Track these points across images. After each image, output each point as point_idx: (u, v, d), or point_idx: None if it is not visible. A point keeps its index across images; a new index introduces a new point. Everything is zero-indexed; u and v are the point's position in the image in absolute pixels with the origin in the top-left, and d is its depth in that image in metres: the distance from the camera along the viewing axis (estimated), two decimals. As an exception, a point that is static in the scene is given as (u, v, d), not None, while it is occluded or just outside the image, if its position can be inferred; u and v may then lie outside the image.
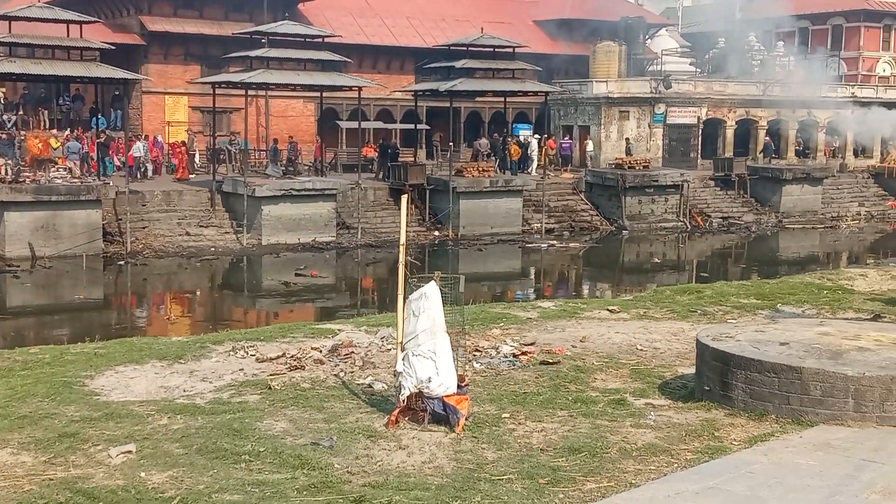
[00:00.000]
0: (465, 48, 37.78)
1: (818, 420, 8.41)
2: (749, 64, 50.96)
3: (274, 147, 36.03)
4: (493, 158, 39.20)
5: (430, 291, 8.49)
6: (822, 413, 8.44)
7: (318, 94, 36.82)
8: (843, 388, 8.38)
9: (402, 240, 8.75)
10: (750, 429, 8.40)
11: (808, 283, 18.36)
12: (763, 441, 7.97)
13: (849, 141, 47.39)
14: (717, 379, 9.19)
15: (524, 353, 11.58)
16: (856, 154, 47.82)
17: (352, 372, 10.68)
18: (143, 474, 7.33)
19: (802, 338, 9.67)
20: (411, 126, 40.26)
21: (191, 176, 34.94)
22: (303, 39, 34.65)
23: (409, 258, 9.10)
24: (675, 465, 7.54)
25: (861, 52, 61.03)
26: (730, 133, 45.11)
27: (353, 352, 11.53)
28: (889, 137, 46.93)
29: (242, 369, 10.82)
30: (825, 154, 46.96)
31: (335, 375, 10.51)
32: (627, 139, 41.94)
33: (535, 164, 39.88)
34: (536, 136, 41.13)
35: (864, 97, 47.32)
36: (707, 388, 9.36)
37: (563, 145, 42.09)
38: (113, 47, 31.84)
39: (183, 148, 35.54)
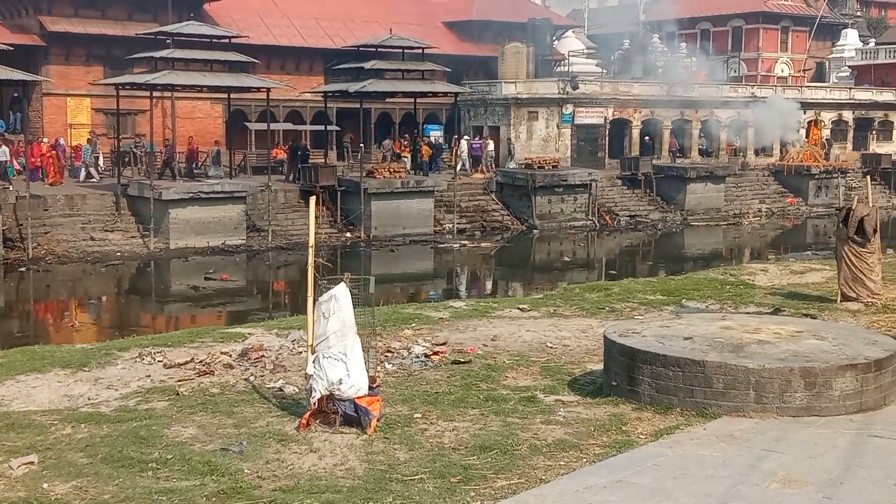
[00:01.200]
0: (374, 49, 37.76)
1: (721, 412, 8.61)
2: (653, 65, 52.02)
3: (217, 151, 36.03)
4: (404, 159, 39.24)
5: (340, 293, 8.45)
6: (724, 405, 8.65)
7: (225, 95, 36.37)
8: (745, 381, 8.61)
9: (311, 241, 8.69)
10: (656, 422, 8.57)
11: (712, 279, 18.81)
12: (668, 434, 8.14)
13: (750, 140, 48.69)
14: (625, 374, 9.36)
15: (436, 353, 11.61)
16: (756, 153, 49.15)
17: (262, 376, 10.57)
18: (45, 486, 7.14)
19: (706, 332, 9.90)
20: (321, 127, 40.04)
21: (93, 179, 34.19)
22: (209, 40, 34.16)
23: (319, 260, 9.05)
24: (584, 459, 7.65)
25: (760, 53, 62.87)
26: (636, 133, 45.96)
27: (263, 355, 11.41)
28: (786, 136, 48.39)
29: (149, 376, 10.62)
30: (727, 153, 48.13)
31: (245, 380, 10.39)
32: (510, 139, 42.24)
33: (467, 165, 40.14)
34: (466, 137, 41.41)
35: (763, 97, 48.66)
36: (615, 383, 9.52)
37: (474, 146, 42.34)
38: (11, 48, 30.90)
39: (53, 152, 34.27)
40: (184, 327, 18.52)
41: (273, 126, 37.49)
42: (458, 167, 39.30)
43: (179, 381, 10.31)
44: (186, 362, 11.13)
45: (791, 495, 6.59)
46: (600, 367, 10.28)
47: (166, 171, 34.34)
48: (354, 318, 8.59)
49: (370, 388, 8.56)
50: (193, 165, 35.83)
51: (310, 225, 8.82)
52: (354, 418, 8.39)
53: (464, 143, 40.78)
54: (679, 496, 6.61)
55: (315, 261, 8.75)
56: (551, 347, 12.25)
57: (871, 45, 63.50)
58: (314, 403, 8.47)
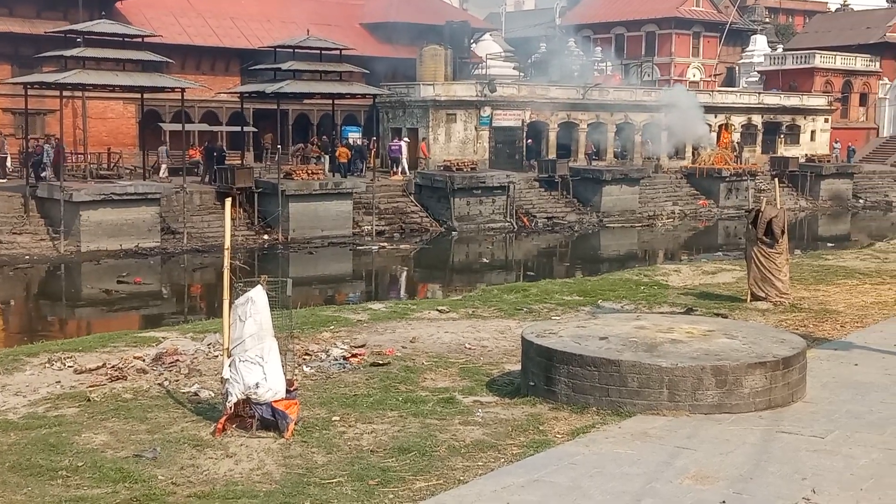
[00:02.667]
0: (291, 50, 37.46)
1: (636, 410, 8.75)
2: (569, 69, 52.67)
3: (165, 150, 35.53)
4: (322, 161, 39.02)
5: (257, 296, 8.36)
6: (639, 404, 8.79)
7: (138, 95, 35.70)
8: (658, 380, 8.76)
9: (227, 244, 8.57)
10: (573, 421, 8.66)
11: (627, 280, 19.11)
12: (585, 433, 8.23)
13: (663, 143, 49.60)
14: (542, 374, 9.44)
15: (354, 356, 11.56)
16: (670, 156, 50.10)
17: (177, 380, 10.39)
18: (-51, 497, 6.91)
19: (621, 332, 10.04)
20: (238, 128, 39.58)
21: (1, 180, 33.24)
22: (121, 39, 33.50)
23: (236, 262, 8.93)
24: (502, 459, 7.69)
25: (673, 57, 64.18)
26: (553, 136, 46.47)
27: (178, 360, 11.22)
28: (697, 139, 49.45)
29: (59, 382, 10.35)
30: (641, 155, 48.98)
31: (159, 384, 10.20)
32: (425, 138, 42.41)
33: (405, 165, 40.10)
34: (406, 140, 41.37)
35: (666, 89, 49.55)
36: (532, 383, 9.59)
37: (393, 148, 42.33)
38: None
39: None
40: (96, 332, 18.09)
41: (188, 127, 36.90)
42: (397, 169, 39.38)
43: (90, 386, 10.07)
44: (98, 367, 10.88)
45: (703, 491, 6.73)
46: (518, 367, 10.35)
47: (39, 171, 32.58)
48: (271, 320, 8.51)
49: (288, 391, 8.48)
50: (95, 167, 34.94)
51: (225, 227, 8.71)
52: (272, 422, 8.31)
53: (402, 145, 40.79)
54: (594, 494, 6.70)
55: (231, 263, 8.64)
56: (470, 349, 12.30)
57: (779, 51, 65.37)
58: (230, 408, 8.36)
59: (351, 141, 41.89)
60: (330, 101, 39.74)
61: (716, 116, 51.81)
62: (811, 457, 7.46)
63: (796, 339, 9.92)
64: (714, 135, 50.96)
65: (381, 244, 33.81)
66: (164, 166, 37.11)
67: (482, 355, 11.93)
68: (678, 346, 9.45)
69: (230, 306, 8.51)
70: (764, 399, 8.87)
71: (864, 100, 62.59)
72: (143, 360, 11.16)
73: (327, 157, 39.69)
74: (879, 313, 14.35)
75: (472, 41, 51.90)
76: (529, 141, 45.06)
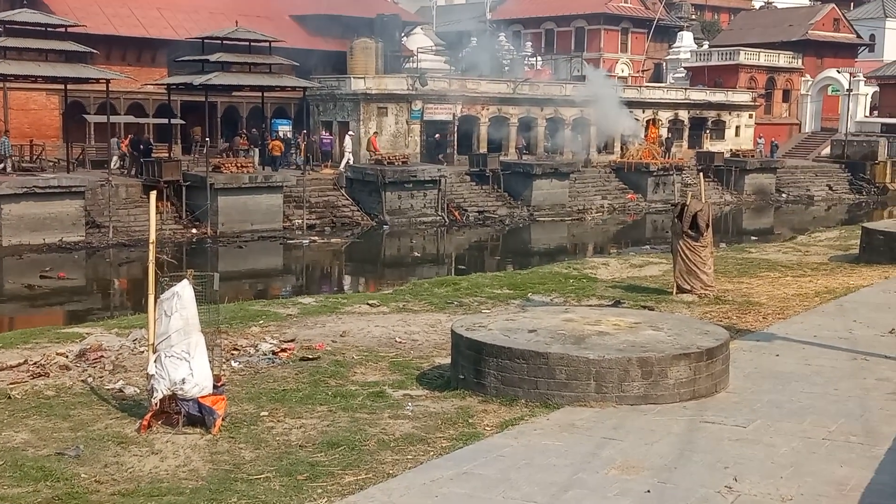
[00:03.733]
0: (219, 41, 37.01)
1: (564, 402, 8.84)
2: (500, 63, 52.89)
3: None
4: (251, 154, 38.62)
5: (183, 290, 8.25)
6: (567, 395, 8.88)
7: (62, 86, 34.91)
8: (586, 371, 8.86)
9: (152, 237, 8.44)
10: (502, 414, 8.72)
11: (556, 273, 19.28)
12: (513, 425, 8.29)
13: (592, 137, 50.11)
14: (471, 367, 9.49)
15: (284, 350, 11.49)
16: (599, 150, 50.64)
17: (101, 377, 10.21)
18: None
19: (549, 325, 10.13)
20: (165, 121, 38.96)
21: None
22: (44, 28, 32.74)
23: (163, 257, 8.80)
24: (432, 453, 7.71)
25: (602, 53, 64.88)
26: (483, 130, 46.64)
27: (102, 356, 11.02)
28: (627, 134, 50.09)
29: (-21, 380, 10.09)
30: (571, 150, 49.39)
31: (83, 381, 10.01)
32: (376, 132, 42.38)
33: (348, 159, 39.82)
34: (351, 133, 41.07)
35: (611, 97, 50.08)
36: (462, 376, 9.63)
37: (324, 141, 42.09)
38: None
39: None
40: (18, 328, 17.70)
41: (113, 119, 36.27)
42: (344, 162, 39.17)
43: (11, 384, 9.84)
44: (19, 364, 10.63)
45: (628, 481, 6.83)
46: (448, 360, 10.38)
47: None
48: (198, 315, 8.41)
49: (215, 386, 8.39)
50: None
51: (150, 220, 8.57)
52: (198, 418, 8.22)
53: (348, 139, 40.57)
54: (523, 486, 6.75)
55: (157, 257, 8.52)
56: (400, 342, 12.31)
57: (705, 47, 66.51)
58: (156, 404, 8.24)
59: (281, 134, 41.52)
60: (259, 94, 39.36)
61: (643, 112, 52.50)
62: (733, 446, 7.61)
63: (720, 331, 10.11)
64: (642, 128, 51.61)
65: (312, 238, 33.60)
66: (115, 157, 36.40)
67: (412, 349, 11.94)
68: (605, 338, 9.57)
69: (156, 301, 8.39)
70: (688, 390, 9.03)
71: (786, 96, 63.99)
72: (67, 357, 10.95)
73: (257, 150, 39.29)
74: (800, 305, 14.70)
75: (402, 35, 51.81)
76: (437, 136, 45.00)
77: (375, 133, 42.28)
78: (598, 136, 49.94)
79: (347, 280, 29.36)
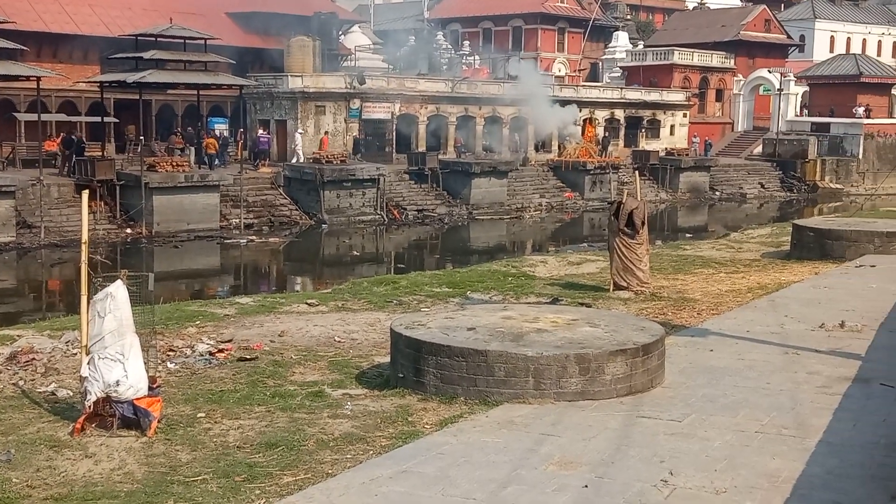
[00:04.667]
0: (154, 39, 36.47)
1: (503, 399, 8.89)
2: (438, 62, 52.92)
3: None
4: (187, 153, 38.14)
5: (117, 291, 8.13)
6: (506, 392, 8.93)
7: (-10, 83, 34.12)
8: (524, 368, 8.92)
9: (84, 237, 8.30)
10: (441, 412, 8.74)
11: (495, 271, 19.38)
12: (453, 423, 8.32)
13: (530, 136, 50.39)
14: (411, 366, 9.49)
15: (221, 351, 11.38)
16: (537, 148, 50.95)
17: (33, 380, 10.00)
18: None
19: (488, 322, 10.18)
20: (98, 119, 38.27)
21: None
22: (-29, 24, 31.95)
23: (98, 257, 8.66)
24: (371, 451, 7.71)
25: (539, 52, 65.30)
26: (422, 128, 46.64)
27: (34, 358, 10.80)
28: (562, 132, 50.45)
29: None
30: (509, 148, 49.62)
31: (14, 384, 9.80)
32: (327, 132, 42.25)
33: (300, 158, 39.50)
34: (300, 131, 40.71)
35: (542, 95, 50.42)
36: (401, 375, 9.63)
37: (261, 140, 41.72)
38: None
39: None
40: (-55, 331, 17.26)
41: (44, 117, 35.50)
42: (295, 161, 38.86)
43: (-61, 388, 9.60)
44: (-53, 368, 10.37)
45: (566, 476, 6.89)
46: (388, 359, 10.38)
47: None
48: (133, 316, 8.29)
49: (150, 388, 8.28)
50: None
51: (83, 220, 8.42)
52: (133, 420, 8.10)
53: (298, 137, 40.24)
54: (462, 483, 6.78)
55: (91, 258, 8.38)
56: (339, 342, 12.27)
57: (640, 47, 67.28)
58: (89, 406, 8.11)
59: (217, 132, 41.06)
60: (195, 92, 38.84)
61: (580, 111, 52.94)
62: (669, 440, 7.72)
63: (655, 327, 10.25)
64: (578, 116, 51.94)
65: (250, 237, 33.29)
66: None
67: (352, 348, 11.91)
68: (543, 335, 9.64)
69: (89, 302, 8.25)
70: (625, 385, 9.14)
71: (720, 95, 65.02)
72: (-3, 360, 10.70)
73: (193, 148, 38.80)
74: (734, 301, 14.97)
75: (340, 33, 51.58)
76: (356, 135, 44.81)
77: (327, 133, 42.07)
78: (535, 134, 50.14)
79: (286, 280, 29.14)
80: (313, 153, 40.02)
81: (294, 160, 39.48)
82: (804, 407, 8.65)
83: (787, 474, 6.90)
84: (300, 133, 40.94)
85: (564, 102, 50.67)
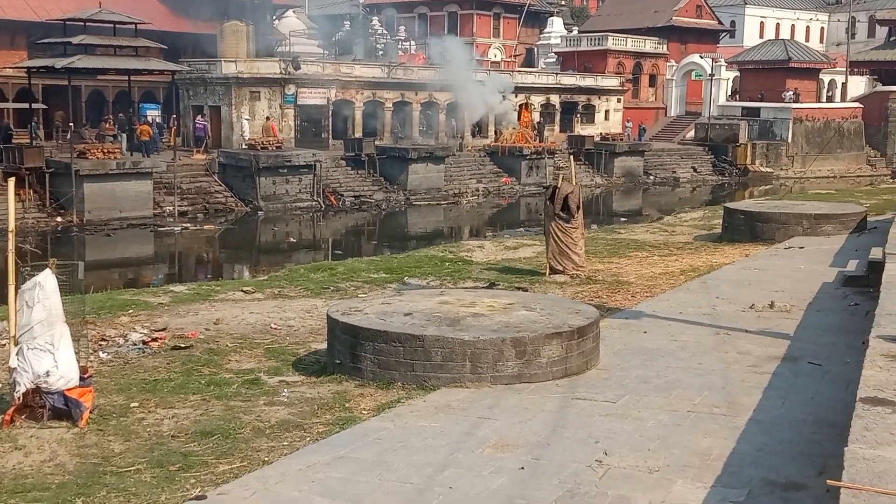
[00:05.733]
0: (82, 23, 35.76)
1: (440, 384, 8.92)
2: (373, 47, 52.65)
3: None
4: (119, 139, 37.47)
5: (45, 280, 7.96)
6: (443, 377, 8.97)
7: (-89, 68, 33.12)
8: (461, 353, 8.96)
9: (11, 226, 8.11)
10: (378, 397, 8.74)
11: (433, 256, 19.42)
12: (390, 408, 8.33)
13: (466, 121, 50.44)
14: (348, 352, 9.48)
15: (155, 340, 11.24)
16: (473, 134, 51.04)
17: (-40, 372, 9.77)
18: None
19: (425, 307, 10.20)
20: (26, 105, 37.41)
21: None
22: None
23: (27, 246, 8.48)
24: (308, 438, 7.68)
25: (475, 38, 65.26)
26: (358, 114, 46.42)
27: (-39, 351, 10.55)
28: (497, 113, 50.55)
29: None
30: (445, 134, 49.65)
31: (-60, 378, 9.57)
32: (269, 117, 41.87)
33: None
34: (247, 117, 40.14)
35: (478, 81, 50.47)
36: (338, 361, 9.61)
37: (197, 126, 41.16)
38: None
39: None
40: None
41: (-31, 103, 34.63)
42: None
43: None
44: None
45: (503, 459, 6.95)
46: (325, 346, 10.35)
47: None
48: (63, 305, 8.14)
49: (82, 378, 8.15)
50: None
51: (9, 208, 8.24)
52: (65, 411, 7.96)
53: (245, 123, 39.69)
54: (399, 467, 6.79)
55: (19, 247, 8.20)
56: (275, 329, 12.19)
57: (575, 33, 67.67)
58: (18, 398, 7.95)
59: (150, 119, 40.40)
60: (126, 78, 38.15)
61: (516, 96, 53.12)
62: (604, 421, 7.82)
63: (590, 310, 10.37)
64: (514, 111, 52.14)
65: (184, 225, 32.86)
66: None
67: (288, 335, 11.85)
68: (480, 319, 9.69)
69: (16, 292, 8.07)
70: (560, 368, 9.23)
71: (653, 81, 65.71)
72: (-79, 353, 10.43)
73: (125, 135, 38.13)
74: (667, 283, 15.20)
75: (274, 18, 51.05)
76: (267, 118, 44.56)
77: (268, 117, 41.63)
78: (469, 113, 49.91)
79: (221, 267, 28.83)
80: (248, 139, 39.62)
81: (201, 147, 39.05)
82: (735, 386, 8.82)
83: (719, 452, 7.03)
84: (247, 119, 40.52)
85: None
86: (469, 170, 46.25)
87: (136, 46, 36.70)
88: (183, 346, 10.99)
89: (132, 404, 8.61)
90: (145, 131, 37.76)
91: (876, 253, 13.44)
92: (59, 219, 31.68)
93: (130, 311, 13.25)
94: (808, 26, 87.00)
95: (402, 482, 6.53)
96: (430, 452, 7.10)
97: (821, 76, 65.99)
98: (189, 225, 33.02)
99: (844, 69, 67.04)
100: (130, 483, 6.72)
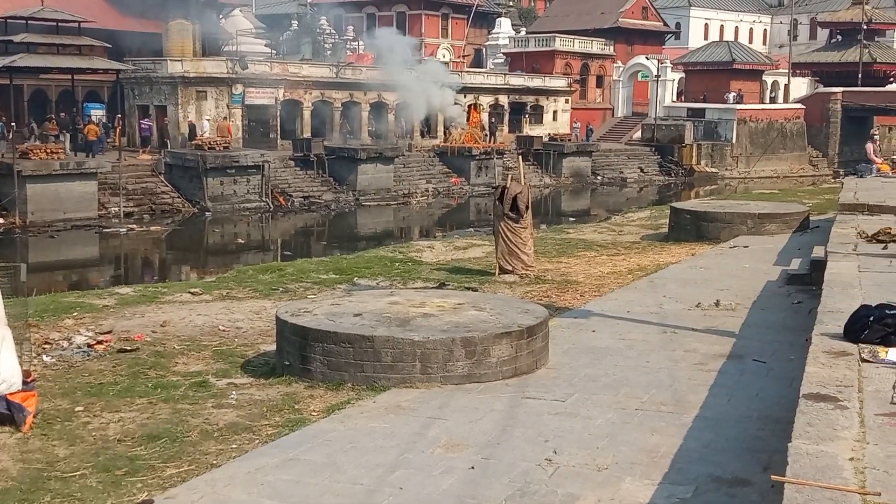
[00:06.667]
0: (24, 21, 35.14)
1: (390, 384, 8.90)
2: (322, 47, 52.40)
3: None
4: (62, 139, 36.89)
5: (-13, 283, 7.83)
6: (393, 377, 8.95)
7: None
8: (411, 353, 8.95)
9: (-49, 228, 7.96)
10: (328, 399, 8.70)
11: (382, 257, 19.38)
12: (340, 409, 8.30)
13: (416, 121, 50.42)
14: (297, 353, 9.42)
15: (100, 343, 11.07)
16: (423, 134, 51.03)
17: None
18: None
19: (375, 308, 10.18)
20: (-35, 104, 36.70)
21: None
22: None
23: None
24: (257, 440, 7.63)
25: (423, 38, 65.30)
26: (307, 114, 46.19)
27: None
28: (449, 117, 50.61)
29: None
30: (395, 134, 49.58)
31: None
32: (225, 118, 41.52)
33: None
34: (208, 118, 39.63)
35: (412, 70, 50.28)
36: (287, 362, 9.55)
37: (142, 126, 40.65)
38: None
39: None
40: None
41: None
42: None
43: None
44: None
45: (453, 459, 6.95)
46: (274, 347, 10.28)
47: None
48: (5, 308, 7.99)
49: (25, 382, 8.01)
50: None
51: (-51, 210, 8.07)
52: (7, 416, 7.81)
53: (205, 123, 39.19)
54: (349, 469, 6.77)
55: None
56: (224, 330, 12.08)
57: (523, 33, 68.02)
58: (-40, 404, 7.79)
59: (95, 118, 39.82)
60: (70, 77, 37.56)
61: (465, 97, 53.22)
62: (553, 420, 7.87)
63: (539, 309, 10.42)
64: (465, 113, 52.24)
65: (130, 226, 32.45)
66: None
67: (237, 337, 11.74)
68: (430, 319, 9.69)
69: (-43, 295, 7.91)
70: (510, 367, 9.26)
71: (600, 82, 66.29)
72: None
73: (68, 135, 37.54)
74: (615, 282, 15.32)
75: (221, 17, 50.59)
76: (189, 121, 44.19)
77: (226, 118, 41.26)
78: (415, 110, 49.69)
79: (168, 269, 28.50)
80: (196, 139, 39.22)
81: (147, 147, 38.66)
82: (682, 384, 8.92)
83: (666, 449, 7.10)
84: (207, 120, 40.13)
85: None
86: (418, 170, 46.26)
87: (79, 45, 36.19)
88: (129, 348, 10.83)
89: (77, 408, 8.48)
90: (92, 130, 37.21)
91: (818, 251, 13.68)
92: (0, 220, 31.09)
93: (75, 313, 13.04)
94: (751, 28, 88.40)
95: (352, 483, 6.51)
96: (380, 453, 7.08)
97: (764, 77, 67.08)
98: (135, 226, 32.62)
99: (787, 71, 68.22)
100: (76, 488, 6.61)
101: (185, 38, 43.47)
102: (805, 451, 4.90)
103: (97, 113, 40.98)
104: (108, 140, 39.30)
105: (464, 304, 10.52)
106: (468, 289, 14.43)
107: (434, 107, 49.02)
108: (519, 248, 15.98)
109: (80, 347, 10.86)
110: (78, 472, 6.92)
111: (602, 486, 6.39)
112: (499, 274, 16.02)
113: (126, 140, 39.62)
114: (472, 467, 6.77)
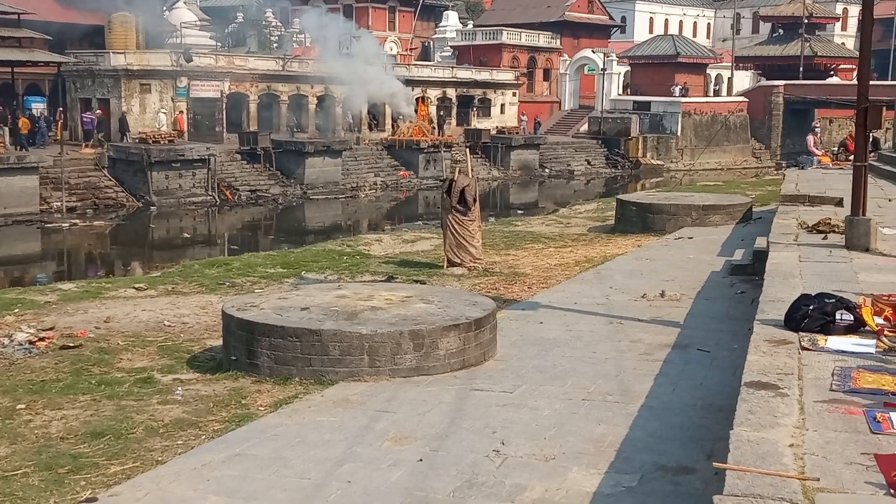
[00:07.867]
0: (-39, 12, 34.36)
1: (338, 378, 8.88)
2: (268, 39, 51.97)
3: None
4: (2, 133, 36.12)
5: (-77, 280, 7.66)
6: (341, 371, 8.93)
7: None
8: (359, 346, 8.94)
9: None
10: (276, 393, 8.66)
11: (330, 251, 19.32)
12: (287, 404, 8.26)
13: (363, 114, 50.23)
14: (244, 348, 9.36)
15: (42, 339, 10.90)
16: (371, 127, 50.86)
17: None
18: None
19: (322, 302, 10.14)
20: None
21: None
22: None
23: None
24: (203, 436, 7.57)
25: (371, 31, 64.95)
26: (253, 107, 45.81)
27: None
28: (397, 111, 50.46)
29: None
30: (342, 127, 49.35)
31: None
32: (182, 111, 41.07)
33: None
34: (164, 111, 38.96)
35: (346, 52, 50.04)
36: (234, 357, 9.49)
37: (85, 119, 39.99)
38: None
39: None
40: None
41: None
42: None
43: None
44: None
45: (401, 451, 6.96)
46: (220, 342, 10.20)
47: None
48: (-58, 306, 7.84)
49: (-36, 381, 7.86)
50: None
51: None
52: (-54, 416, 7.67)
53: (162, 117, 38.61)
54: (296, 463, 6.75)
55: None
56: (169, 326, 11.96)
57: (470, 27, 68.09)
58: None
59: (35, 112, 39.09)
60: (9, 70, 36.82)
61: (413, 90, 53.13)
62: (501, 411, 7.90)
63: (487, 302, 10.46)
64: (412, 101, 52.07)
65: (73, 221, 31.93)
66: None
67: (182, 332, 11.64)
68: (378, 312, 9.68)
69: None
70: (458, 359, 9.29)
71: (547, 75, 66.57)
72: None
73: (7, 129, 36.79)
74: (562, 274, 15.43)
75: (165, 9, 49.94)
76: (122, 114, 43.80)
77: (181, 112, 40.71)
78: (362, 102, 49.28)
79: (113, 264, 28.10)
80: (139, 132, 38.69)
81: (90, 141, 38.10)
82: (628, 374, 9.01)
83: (612, 439, 7.18)
84: (164, 112, 39.59)
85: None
86: (367, 163, 46.08)
87: (19, 37, 35.47)
88: (72, 345, 10.68)
89: (18, 406, 8.34)
90: (25, 124, 36.48)
91: (760, 242, 13.89)
92: (-62, 216, 30.45)
93: (16, 309, 12.83)
94: (695, 22, 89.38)
95: (299, 478, 6.48)
96: (328, 447, 7.06)
97: (708, 71, 67.90)
98: (78, 221, 32.12)
99: (730, 64, 69.11)
100: (17, 487, 6.51)
101: (128, 30, 42.83)
102: (746, 439, 4.98)
103: (38, 106, 40.25)
104: (50, 134, 38.62)
105: (412, 297, 10.53)
106: (416, 282, 14.43)
107: (377, 93, 48.35)
108: (467, 241, 16.03)
109: (21, 344, 10.69)
110: (20, 471, 6.81)
111: (549, 476, 6.43)
112: (447, 267, 16.06)
113: (68, 134, 38.93)
114: (421, 460, 6.78)
